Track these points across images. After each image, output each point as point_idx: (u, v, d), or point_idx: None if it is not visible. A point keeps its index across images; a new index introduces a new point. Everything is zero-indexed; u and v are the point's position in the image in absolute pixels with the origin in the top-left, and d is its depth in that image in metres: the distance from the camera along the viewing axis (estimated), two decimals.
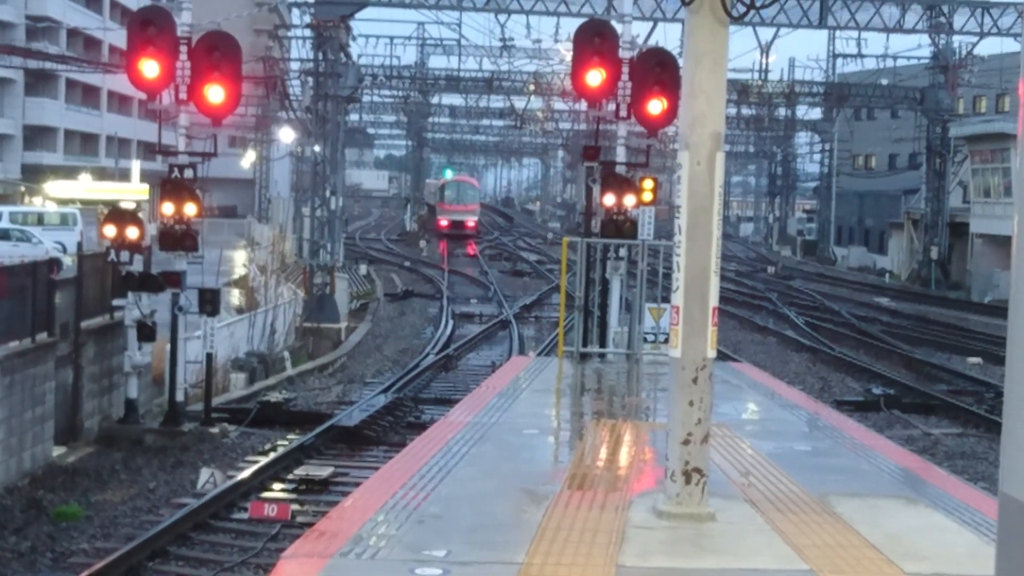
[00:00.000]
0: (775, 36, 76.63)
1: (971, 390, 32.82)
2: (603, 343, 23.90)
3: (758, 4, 10.42)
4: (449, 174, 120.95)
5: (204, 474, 20.35)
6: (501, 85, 74.03)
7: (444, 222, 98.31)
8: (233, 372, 31.52)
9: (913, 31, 59.64)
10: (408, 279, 64.43)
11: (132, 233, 24.00)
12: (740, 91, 71.90)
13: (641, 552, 9.08)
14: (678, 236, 10.12)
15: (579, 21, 24.51)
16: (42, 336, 21.42)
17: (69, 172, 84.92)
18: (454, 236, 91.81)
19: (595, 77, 23.74)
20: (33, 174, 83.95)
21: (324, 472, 20.42)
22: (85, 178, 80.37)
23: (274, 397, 27.70)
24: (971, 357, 40.25)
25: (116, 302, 24.74)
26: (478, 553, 8.86)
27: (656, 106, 23.53)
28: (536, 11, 53.71)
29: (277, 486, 20.03)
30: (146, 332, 24.50)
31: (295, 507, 18.31)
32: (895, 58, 77.60)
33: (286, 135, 71.09)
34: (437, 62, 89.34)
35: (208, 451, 23.09)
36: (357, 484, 13.26)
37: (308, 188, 55.95)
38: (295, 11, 64.90)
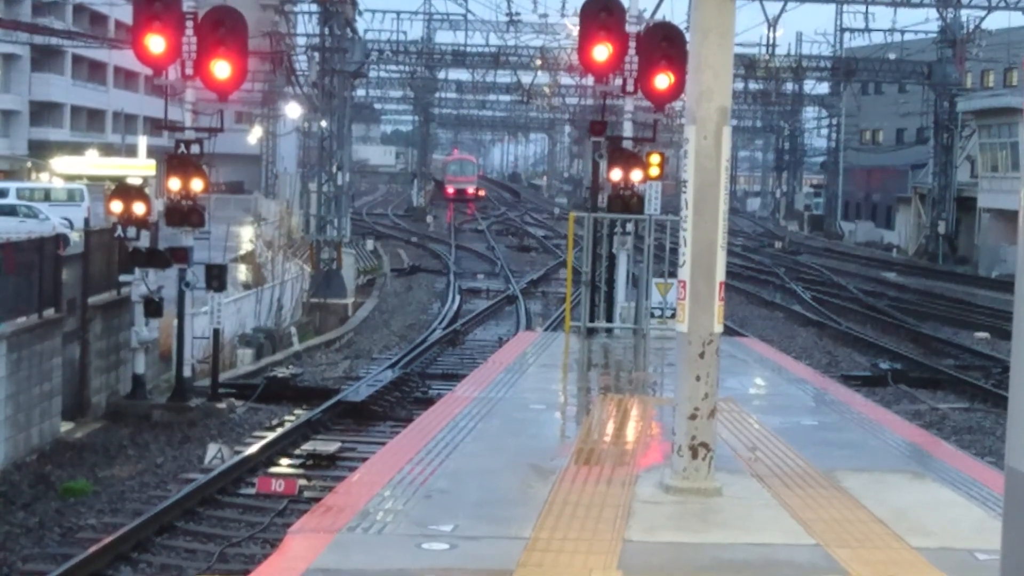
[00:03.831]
0: (782, 10, 76.48)
1: (978, 365, 32.78)
2: (610, 318, 23.90)
3: None
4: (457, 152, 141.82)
5: (211, 449, 20.38)
6: (508, 60, 73.77)
7: (451, 190, 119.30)
8: (240, 348, 31.55)
9: (921, 5, 59.55)
10: (415, 254, 64.43)
11: (139, 209, 24.00)
12: (747, 65, 71.64)
13: (648, 527, 9.10)
14: (685, 211, 10.11)
15: None
16: (49, 312, 21.44)
17: (76, 148, 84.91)
18: (459, 199, 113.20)
19: (602, 52, 23.68)
20: (40, 150, 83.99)
21: (331, 447, 20.45)
22: (92, 154, 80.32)
23: (281, 372, 27.72)
24: (978, 332, 40.20)
25: (123, 278, 24.75)
26: (485, 528, 8.88)
27: (663, 81, 23.47)
28: None
29: (284, 461, 20.06)
30: (153, 308, 24.51)
31: (302, 482, 18.34)
32: (903, 32, 77.33)
33: (293, 111, 70.99)
34: (444, 37, 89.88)
35: (215, 426, 23.12)
36: (364, 459, 13.28)
37: (315, 164, 55.99)
38: None
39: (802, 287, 51.31)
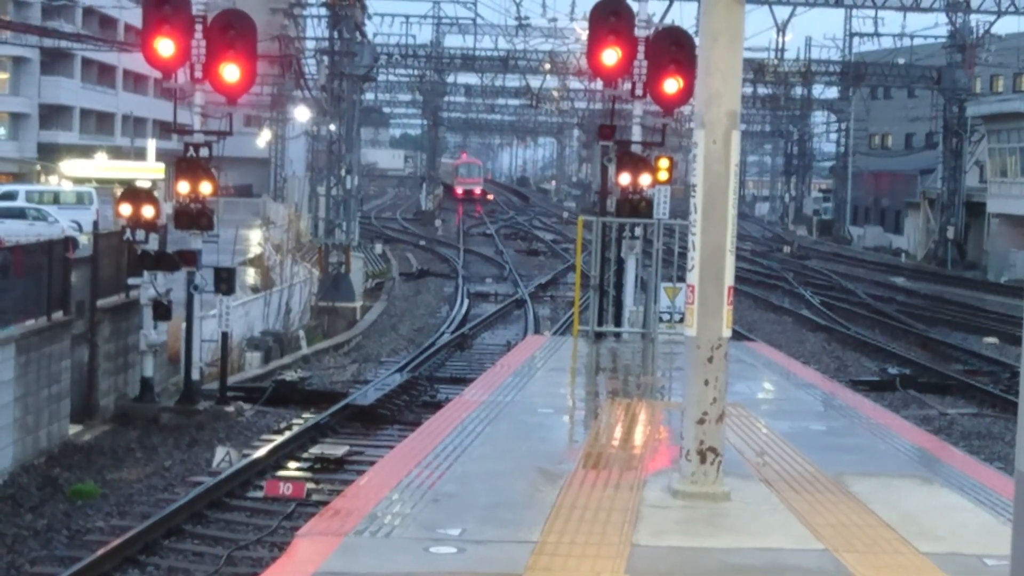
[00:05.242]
0: (791, 15, 76.52)
1: (987, 370, 32.74)
2: (618, 322, 23.87)
3: None
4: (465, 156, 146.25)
5: (219, 452, 20.40)
6: (517, 64, 73.82)
7: (460, 190, 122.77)
8: (248, 351, 31.56)
9: (930, 10, 59.36)
10: (423, 258, 64.43)
11: (147, 212, 24.01)
12: (756, 70, 71.67)
13: (656, 531, 9.09)
14: (694, 215, 10.10)
15: (595, 0, 24.40)
16: (58, 315, 21.46)
17: (85, 151, 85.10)
18: (467, 199, 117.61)
19: (611, 56, 23.68)
20: (49, 153, 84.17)
21: (339, 451, 20.46)
22: (101, 157, 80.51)
23: (289, 376, 27.74)
24: (987, 337, 40.15)
25: (131, 281, 24.77)
26: (493, 531, 8.87)
27: (672, 85, 23.47)
28: None
29: (292, 465, 20.07)
30: (161, 311, 24.53)
31: (310, 486, 18.35)
32: (912, 37, 77.39)
33: (301, 114, 71.02)
34: (452, 41, 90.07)
35: (223, 430, 23.13)
36: (372, 463, 13.28)
37: (323, 167, 55.94)
38: None
39: (811, 292, 51.26)
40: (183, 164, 24.53)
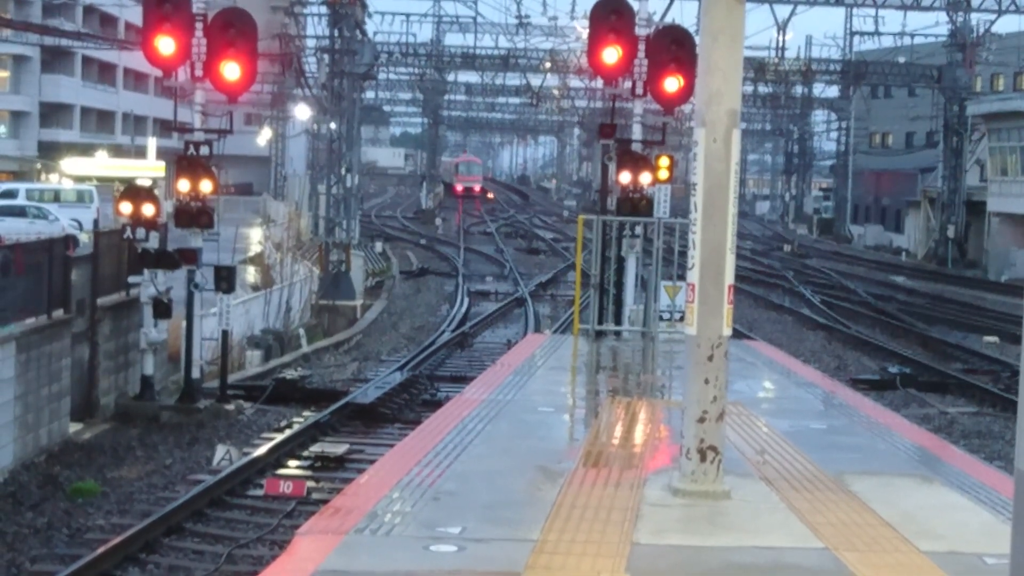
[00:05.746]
0: (792, 13, 76.48)
1: (987, 369, 32.73)
2: (618, 321, 23.87)
3: None
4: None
5: (220, 451, 20.40)
6: (517, 63, 73.75)
7: (460, 187, 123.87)
8: (249, 349, 31.56)
9: (931, 8, 59.36)
10: (424, 257, 64.44)
11: (148, 210, 24.01)
12: (757, 69, 71.64)
13: (656, 529, 9.09)
14: (694, 214, 10.11)
15: None
16: (58, 313, 21.46)
17: (85, 149, 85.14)
18: (467, 196, 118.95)
19: (611, 55, 23.69)
20: (49, 151, 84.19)
21: (339, 449, 20.45)
22: (101, 155, 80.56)
23: (290, 374, 27.73)
24: (987, 336, 40.14)
25: (132, 279, 24.77)
26: (493, 530, 8.87)
27: (672, 84, 23.48)
28: None
29: (293, 463, 20.06)
30: (162, 309, 24.53)
31: (310, 484, 18.34)
32: (912, 36, 77.39)
33: (302, 112, 71.04)
34: (453, 39, 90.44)
35: (224, 428, 23.13)
36: (372, 461, 13.28)
37: (324, 165, 55.99)
38: None
39: (811, 291, 51.26)
40: (183, 162, 24.52)
